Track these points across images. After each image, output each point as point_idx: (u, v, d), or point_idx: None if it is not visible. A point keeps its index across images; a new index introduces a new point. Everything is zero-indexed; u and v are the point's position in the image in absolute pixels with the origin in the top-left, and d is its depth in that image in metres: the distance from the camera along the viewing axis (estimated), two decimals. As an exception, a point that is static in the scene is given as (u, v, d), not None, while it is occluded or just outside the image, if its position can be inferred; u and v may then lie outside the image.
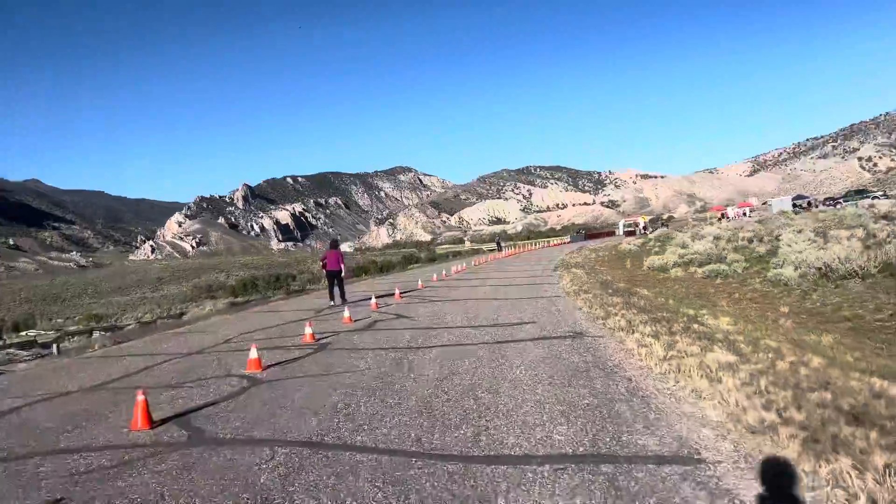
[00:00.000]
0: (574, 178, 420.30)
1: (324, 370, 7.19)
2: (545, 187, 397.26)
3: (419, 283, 20.69)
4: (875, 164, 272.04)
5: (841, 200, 62.86)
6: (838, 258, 15.58)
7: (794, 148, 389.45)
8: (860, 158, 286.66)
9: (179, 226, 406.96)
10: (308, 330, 9.65)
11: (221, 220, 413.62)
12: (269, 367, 7.61)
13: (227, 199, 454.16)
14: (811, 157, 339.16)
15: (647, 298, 14.69)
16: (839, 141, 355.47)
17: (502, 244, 73.59)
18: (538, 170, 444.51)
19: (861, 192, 64.36)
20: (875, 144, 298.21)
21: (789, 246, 22.44)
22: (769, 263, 20.76)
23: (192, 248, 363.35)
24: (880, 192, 61.72)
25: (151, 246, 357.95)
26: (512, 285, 18.79)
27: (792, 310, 13.14)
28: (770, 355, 6.99)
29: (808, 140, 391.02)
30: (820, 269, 16.41)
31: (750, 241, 29.22)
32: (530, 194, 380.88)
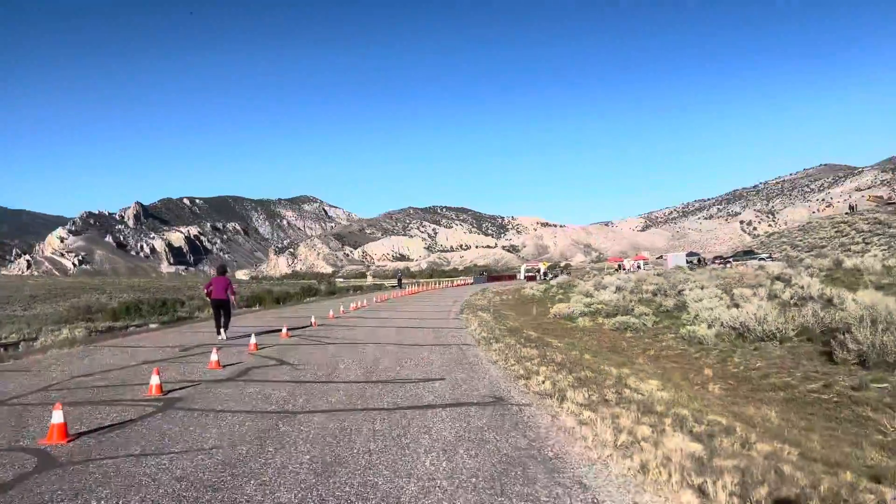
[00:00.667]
0: (478, 221, 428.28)
1: (155, 447, 5.08)
2: (450, 227, 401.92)
3: (312, 319, 18.52)
4: (755, 228, 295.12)
5: (731, 259, 65.93)
6: (755, 318, 15.01)
7: (682, 207, 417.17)
8: (742, 222, 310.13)
9: (61, 241, 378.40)
10: (154, 380, 7.44)
11: (109, 238, 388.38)
12: (80, 435, 5.45)
13: (116, 217, 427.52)
14: (698, 218, 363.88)
15: (562, 351, 13.41)
16: (723, 204, 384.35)
17: (403, 281, 71.97)
18: (444, 210, 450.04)
19: (748, 253, 67.95)
20: (754, 210, 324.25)
21: (697, 302, 22.15)
22: (679, 319, 20.25)
23: (74, 265, 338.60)
24: (766, 255, 65.29)
25: (28, 261, 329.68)
26: (417, 328, 17.08)
27: (716, 373, 12.20)
28: (735, 443, 5.64)
29: (695, 201, 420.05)
30: (735, 328, 15.85)
31: (654, 293, 29.11)
32: (435, 233, 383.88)
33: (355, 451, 4.94)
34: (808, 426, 7.66)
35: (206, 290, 15.45)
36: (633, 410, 6.71)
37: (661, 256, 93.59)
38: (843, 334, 11.64)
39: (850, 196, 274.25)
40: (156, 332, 17.78)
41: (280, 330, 15.23)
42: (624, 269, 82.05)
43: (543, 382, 8.19)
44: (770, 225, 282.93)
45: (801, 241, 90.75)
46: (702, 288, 28.49)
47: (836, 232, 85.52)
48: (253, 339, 12.38)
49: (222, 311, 14.77)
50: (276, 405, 6.78)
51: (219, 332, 14.57)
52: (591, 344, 17.32)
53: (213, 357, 9.66)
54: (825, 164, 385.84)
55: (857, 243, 66.95)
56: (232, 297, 15.15)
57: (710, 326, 17.15)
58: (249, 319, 20.51)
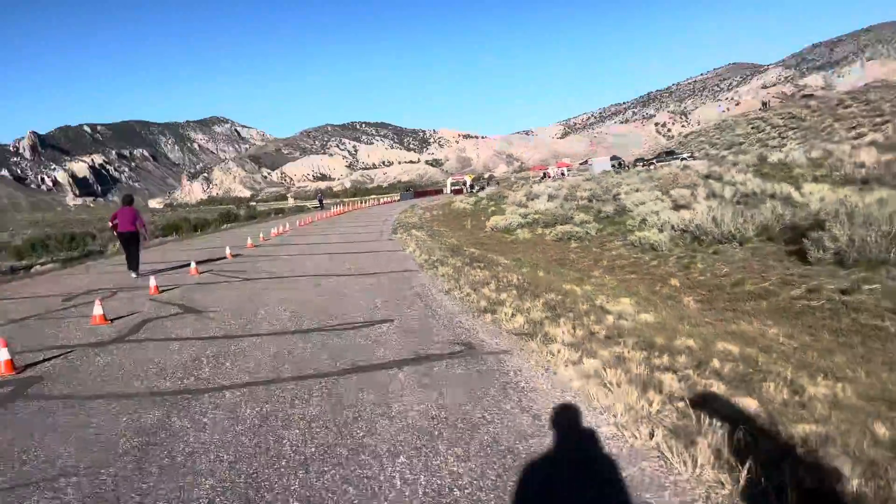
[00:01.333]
0: (399, 136, 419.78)
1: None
2: (371, 144, 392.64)
3: (227, 251, 16.36)
4: (669, 129, 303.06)
5: (653, 161, 66.31)
6: (711, 219, 14.05)
7: (599, 112, 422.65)
8: (657, 124, 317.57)
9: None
10: (2, 354, 5.47)
11: (5, 171, 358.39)
12: None
13: (10, 149, 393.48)
14: (615, 122, 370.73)
15: (513, 270, 12.05)
16: (638, 108, 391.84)
17: (325, 201, 69.08)
18: (364, 126, 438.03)
19: (670, 154, 68.48)
20: (668, 112, 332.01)
21: (639, 206, 21.28)
22: (624, 225, 19.31)
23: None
24: (687, 154, 66.00)
25: None
26: (349, 252, 15.30)
27: (683, 283, 11.17)
28: (782, 388, 4.35)
29: (611, 106, 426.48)
30: (688, 231, 14.92)
31: (590, 200, 28.25)
32: (356, 151, 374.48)
33: (283, 464, 3.28)
34: (822, 346, 6.60)
35: (111, 224, 13.67)
36: (634, 348, 5.36)
37: (585, 162, 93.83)
38: (817, 231, 10.74)
39: (756, 94, 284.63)
40: (56, 271, 15.37)
41: (188, 265, 13.12)
42: (549, 177, 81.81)
43: (513, 316, 6.72)
44: (684, 126, 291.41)
45: (718, 139, 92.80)
46: (637, 191, 27.81)
47: (752, 129, 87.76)
48: (153, 281, 10.31)
49: (132, 246, 13.01)
50: (171, 380, 4.98)
51: (130, 268, 12.90)
52: (537, 258, 16.10)
53: (97, 310, 7.65)
54: (733, 64, 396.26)
55: (774, 138, 68.74)
56: (142, 230, 13.27)
57: (660, 230, 16.21)
58: (156, 254, 18.10)
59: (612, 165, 71.88)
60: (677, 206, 20.51)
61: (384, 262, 12.63)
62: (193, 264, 12.52)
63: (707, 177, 32.19)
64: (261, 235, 22.02)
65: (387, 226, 26.67)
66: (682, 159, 60.15)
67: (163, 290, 10.12)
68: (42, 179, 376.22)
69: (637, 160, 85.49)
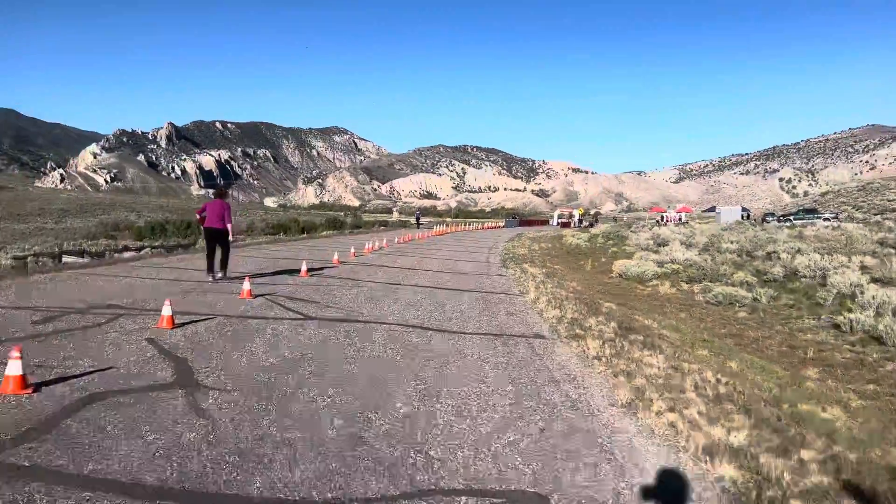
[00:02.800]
0: (508, 163, 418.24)
1: None
2: (479, 168, 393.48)
3: (304, 267, 13.40)
4: (794, 186, 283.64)
5: (791, 217, 59.68)
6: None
7: (718, 161, 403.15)
8: (781, 179, 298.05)
9: (95, 157, 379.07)
10: None
11: (141, 157, 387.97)
12: None
13: (149, 136, 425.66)
14: (734, 173, 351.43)
15: (688, 351, 8.20)
16: (761, 160, 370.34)
17: (422, 221, 66.58)
18: (474, 150, 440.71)
19: (811, 212, 61.34)
20: (793, 168, 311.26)
21: (818, 271, 16.60)
22: (807, 295, 14.79)
23: (106, 182, 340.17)
24: (832, 214, 58.74)
25: (61, 174, 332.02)
26: (449, 288, 11.89)
27: None
28: None
29: (732, 156, 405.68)
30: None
31: (739, 255, 23.56)
32: (464, 173, 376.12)
33: None
34: None
35: (198, 216, 12.03)
36: None
37: (711, 209, 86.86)
38: None
39: (895, 159, 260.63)
40: (158, 257, 13.30)
41: (298, 269, 10.15)
42: (668, 221, 75.87)
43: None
44: (811, 184, 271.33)
45: (864, 202, 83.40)
46: (798, 251, 22.90)
47: (908, 194, 78.07)
48: (246, 284, 7.63)
49: (217, 244, 11.46)
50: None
51: (210, 271, 11.33)
52: (699, 328, 12.04)
53: (167, 310, 4.72)
54: (872, 125, 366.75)
55: (940, 207, 60.02)
56: (228, 226, 11.48)
57: (877, 314, 11.72)
58: (266, 252, 15.52)
59: (742, 217, 65.32)
60: (875, 279, 15.74)
61: (500, 316, 9.05)
62: (247, 286, 9.42)
63: (881, 243, 26.69)
64: (352, 250, 19.07)
65: (494, 255, 23.17)
66: (825, 219, 53.60)
67: (255, 298, 7.06)
68: (172, 168, 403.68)
69: (767, 214, 78.34)
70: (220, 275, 11.33)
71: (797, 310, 13.64)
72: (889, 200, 76.60)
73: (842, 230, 34.82)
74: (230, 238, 11.67)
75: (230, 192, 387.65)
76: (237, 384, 4.68)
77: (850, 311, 12.10)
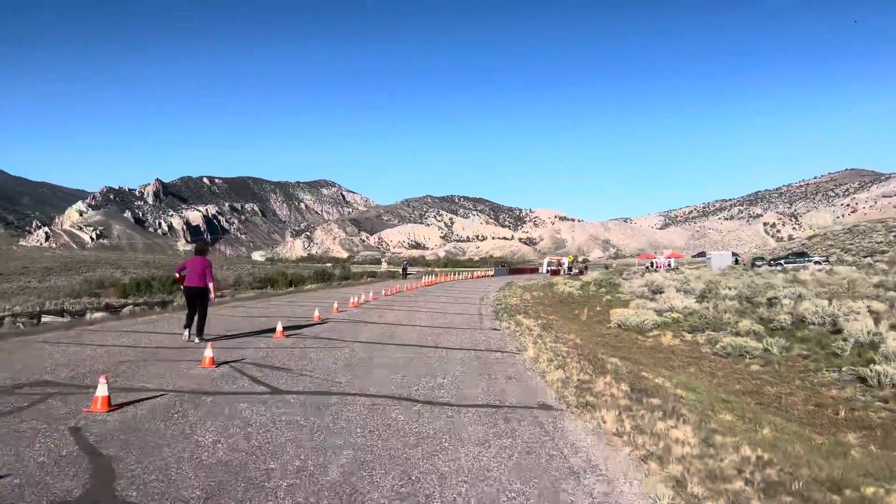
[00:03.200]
0: (496, 212, 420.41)
1: None
2: (467, 217, 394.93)
3: (279, 327, 12.35)
4: (778, 230, 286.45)
5: (782, 262, 59.43)
6: None
7: (702, 207, 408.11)
8: (765, 224, 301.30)
9: (80, 215, 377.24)
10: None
11: (128, 214, 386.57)
12: None
13: (136, 193, 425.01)
14: (718, 218, 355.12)
15: (703, 412, 7.21)
16: (744, 205, 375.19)
17: (409, 270, 65.24)
18: (462, 199, 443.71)
19: (801, 255, 61.10)
20: (776, 212, 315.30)
21: (847, 320, 15.68)
22: (821, 345, 13.85)
23: (92, 239, 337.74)
24: (822, 257, 58.49)
25: (46, 233, 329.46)
26: (441, 346, 10.82)
27: None
28: None
29: (716, 201, 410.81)
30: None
31: (742, 301, 22.69)
32: (452, 223, 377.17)
33: None
34: None
35: (177, 274, 11.48)
36: None
37: (701, 254, 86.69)
38: None
39: (876, 202, 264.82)
40: (128, 320, 12.37)
41: (272, 329, 9.06)
42: (657, 268, 75.36)
43: None
44: (794, 228, 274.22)
45: (851, 244, 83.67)
46: (800, 297, 22.13)
47: (894, 236, 78.47)
48: (208, 352, 6.55)
49: (197, 301, 10.83)
50: None
51: (189, 328, 10.76)
52: (712, 385, 11.02)
53: (102, 390, 3.79)
54: (851, 169, 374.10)
55: (930, 249, 59.95)
56: (210, 285, 10.90)
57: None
58: (242, 310, 14.43)
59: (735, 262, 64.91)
60: (893, 326, 14.84)
61: (499, 380, 8.00)
62: (210, 353, 8.32)
63: (880, 286, 26.00)
64: (335, 305, 17.98)
65: (486, 306, 22.15)
66: (817, 262, 53.34)
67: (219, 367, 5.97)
68: (159, 224, 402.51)
69: (757, 259, 78.32)
70: (195, 338, 10.58)
71: (813, 361, 12.68)
72: (877, 243, 76.83)
73: (835, 273, 34.23)
74: (211, 296, 10.97)
75: (212, 247, 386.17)
76: (167, 495, 3.61)
77: (872, 362, 11.15)
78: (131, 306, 21.03)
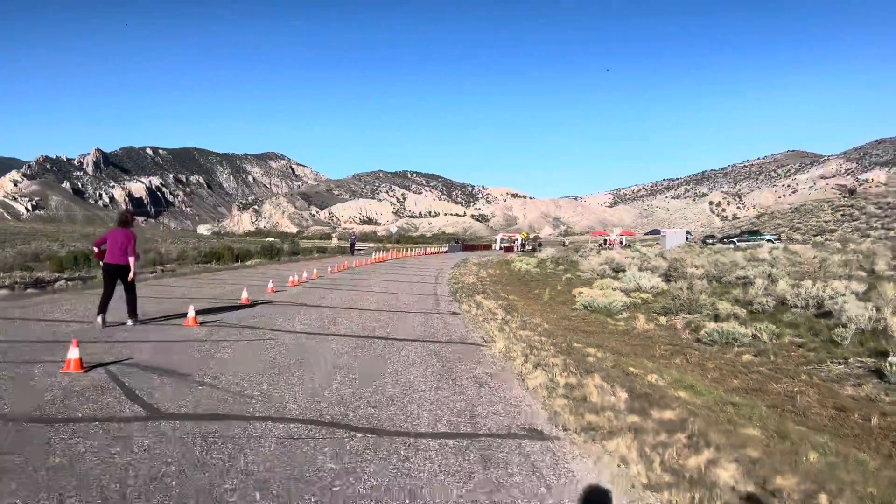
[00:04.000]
0: (448, 189, 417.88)
1: None
2: (420, 193, 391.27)
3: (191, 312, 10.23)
4: (724, 209, 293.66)
5: (734, 239, 59.61)
6: None
7: (651, 186, 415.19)
8: (711, 203, 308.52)
9: (15, 185, 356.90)
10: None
11: (66, 184, 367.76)
12: None
13: (75, 163, 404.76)
14: (666, 197, 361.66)
15: (717, 424, 5.58)
16: (691, 185, 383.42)
17: (357, 246, 62.62)
18: (414, 175, 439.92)
19: (754, 233, 61.39)
20: (721, 192, 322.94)
21: (834, 302, 14.42)
22: (816, 330, 12.53)
23: (27, 210, 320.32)
24: (773, 235, 58.87)
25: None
26: (392, 338, 8.92)
27: None
28: None
29: (663, 180, 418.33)
30: None
31: (713, 280, 21.49)
32: (404, 198, 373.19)
33: None
34: None
35: (96, 249, 9.73)
36: None
37: (654, 232, 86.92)
38: None
39: (814, 182, 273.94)
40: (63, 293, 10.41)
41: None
42: (610, 245, 75.04)
43: None
44: (738, 207, 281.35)
45: (800, 223, 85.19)
46: (769, 276, 21.06)
47: (840, 215, 79.88)
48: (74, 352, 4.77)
49: (120, 280, 9.39)
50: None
51: (101, 313, 9.04)
52: (702, 376, 9.49)
53: None
54: (792, 151, 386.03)
55: (875, 227, 60.90)
56: (131, 261, 9.35)
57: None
58: (189, 283, 12.15)
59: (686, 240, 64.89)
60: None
61: (467, 389, 6.12)
62: (75, 353, 6.21)
63: (845, 265, 25.26)
64: (269, 284, 15.79)
65: (442, 285, 20.33)
66: (768, 240, 53.62)
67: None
68: (100, 195, 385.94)
69: (707, 237, 78.96)
70: (129, 321, 9.25)
71: (811, 350, 11.30)
72: (825, 221, 78.12)
73: (792, 252, 33.71)
74: (130, 276, 9.35)
75: (157, 220, 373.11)
76: None
77: (883, 353, 9.78)
78: (64, 281, 18.59)
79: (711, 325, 13.60)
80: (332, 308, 12.41)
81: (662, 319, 15.59)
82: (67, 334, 7.78)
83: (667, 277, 23.55)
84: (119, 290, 9.16)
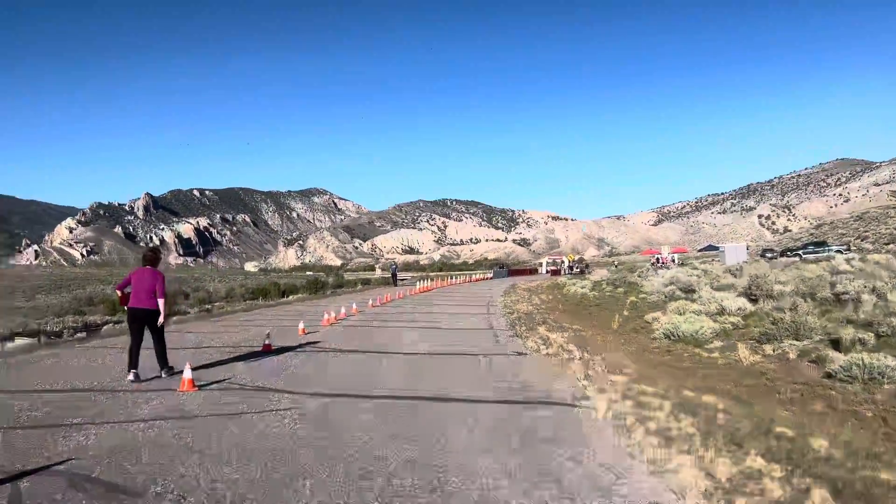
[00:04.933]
0: (488, 214, 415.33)
1: None
2: (460, 220, 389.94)
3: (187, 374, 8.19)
4: (773, 223, 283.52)
5: (799, 252, 55.91)
6: None
7: (695, 202, 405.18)
8: (759, 216, 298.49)
9: (70, 232, 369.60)
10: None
11: (118, 229, 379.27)
12: None
13: (126, 208, 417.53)
14: (711, 212, 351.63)
15: None
16: (737, 199, 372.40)
17: (398, 276, 60.42)
18: (454, 203, 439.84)
19: (821, 244, 57.38)
20: (770, 204, 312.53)
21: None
22: None
23: (83, 256, 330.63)
24: (843, 246, 54.90)
25: (36, 251, 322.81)
26: (446, 399, 6.69)
27: None
28: None
29: (708, 195, 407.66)
30: None
31: (807, 297, 18.64)
32: (445, 226, 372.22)
33: None
34: None
35: (119, 293, 8.53)
36: None
37: (708, 248, 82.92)
38: None
39: (867, 190, 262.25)
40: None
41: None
42: (663, 264, 71.49)
43: None
44: (789, 219, 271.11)
45: (866, 231, 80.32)
46: (873, 290, 18.14)
47: (912, 221, 74.95)
48: None
49: (147, 329, 8.22)
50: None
51: (132, 368, 7.93)
52: (884, 446, 6.99)
53: None
54: (841, 159, 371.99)
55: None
56: (161, 304, 8.19)
57: None
58: (232, 323, 10.26)
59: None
60: None
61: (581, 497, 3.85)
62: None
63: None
64: (300, 325, 13.67)
65: (494, 316, 18.03)
66: (839, 251, 50.07)
67: None
68: (150, 238, 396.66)
69: (766, 250, 74.90)
70: (163, 373, 8.21)
71: None
72: (895, 229, 73.15)
73: (871, 261, 30.32)
74: (160, 320, 8.21)
75: (205, 260, 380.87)
76: None
77: None
78: (112, 324, 17.29)
79: (836, 354, 10.97)
80: (369, 355, 10.24)
81: (767, 349, 12.95)
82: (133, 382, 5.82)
83: (748, 296, 20.78)
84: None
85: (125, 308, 8.29)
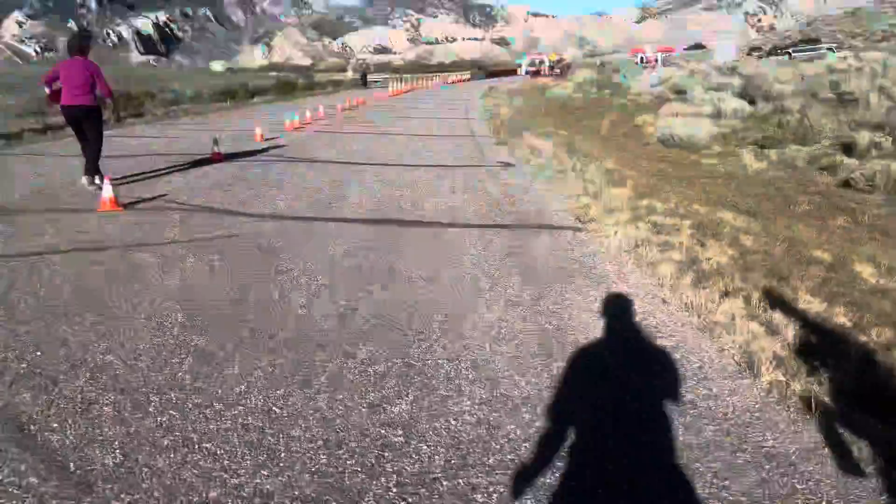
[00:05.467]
0: (465, 10, 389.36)
1: None
2: (436, 17, 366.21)
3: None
4: (759, 20, 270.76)
5: (790, 51, 53.34)
6: None
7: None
8: (746, 13, 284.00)
9: (20, 26, 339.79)
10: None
11: (71, 23, 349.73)
12: None
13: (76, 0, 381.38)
14: (697, 8, 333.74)
15: None
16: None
17: (367, 78, 57.24)
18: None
19: (813, 42, 54.60)
20: (757, 1, 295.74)
21: None
22: None
23: (37, 53, 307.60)
24: (833, 44, 52.54)
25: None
26: (427, 223, 5.61)
27: None
28: None
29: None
30: None
31: (808, 97, 17.35)
32: (419, 23, 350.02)
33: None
34: None
35: (47, 90, 7.00)
36: None
37: (695, 46, 79.24)
38: None
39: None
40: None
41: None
42: (648, 63, 68.26)
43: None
44: (776, 16, 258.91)
45: (857, 30, 76.94)
46: (880, 89, 16.89)
47: (912, 18, 71.54)
48: None
49: (84, 127, 7.01)
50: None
51: (87, 174, 7.01)
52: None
53: None
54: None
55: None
56: (108, 99, 7.30)
57: None
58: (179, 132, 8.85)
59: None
60: None
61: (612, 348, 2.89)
62: None
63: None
64: (257, 131, 12.02)
65: (474, 120, 16.60)
66: (830, 49, 48.30)
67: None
68: (108, 34, 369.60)
69: (753, 49, 71.71)
70: (84, 180, 7.05)
71: None
72: (890, 26, 69.78)
73: (867, 60, 28.58)
74: (106, 116, 7.49)
75: (168, 58, 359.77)
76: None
77: None
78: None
79: (850, 161, 10.04)
80: (337, 165, 8.95)
81: (772, 155, 11.93)
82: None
83: (744, 97, 19.41)
84: None
85: (58, 105, 7.04)
